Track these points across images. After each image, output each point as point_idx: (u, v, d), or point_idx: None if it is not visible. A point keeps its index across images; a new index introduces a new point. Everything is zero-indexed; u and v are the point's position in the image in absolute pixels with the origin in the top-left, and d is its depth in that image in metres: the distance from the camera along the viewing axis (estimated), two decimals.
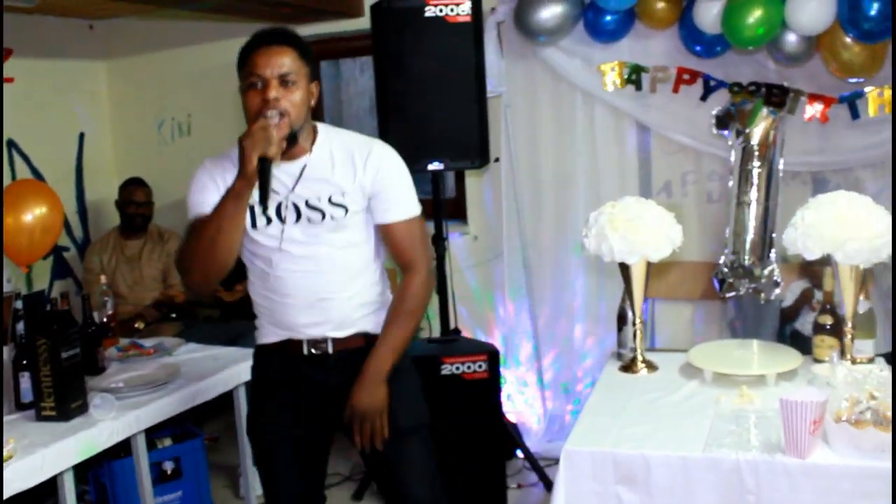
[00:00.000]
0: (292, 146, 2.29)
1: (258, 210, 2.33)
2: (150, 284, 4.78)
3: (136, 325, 4.38)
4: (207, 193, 2.34)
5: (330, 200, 2.34)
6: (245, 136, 2.17)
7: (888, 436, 2.02)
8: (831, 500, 2.06)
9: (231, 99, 4.95)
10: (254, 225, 2.35)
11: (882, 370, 2.23)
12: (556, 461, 3.97)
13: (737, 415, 2.35)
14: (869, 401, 2.07)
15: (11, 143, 4.82)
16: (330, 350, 2.43)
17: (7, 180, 4.54)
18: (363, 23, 4.26)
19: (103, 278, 3.54)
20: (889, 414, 2.04)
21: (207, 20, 4.86)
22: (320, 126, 2.42)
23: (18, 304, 3.38)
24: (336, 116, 5.83)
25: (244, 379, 3.23)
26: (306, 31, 4.66)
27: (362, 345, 2.44)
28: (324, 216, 2.34)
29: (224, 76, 4.98)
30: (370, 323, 2.46)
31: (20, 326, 3.40)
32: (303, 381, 2.46)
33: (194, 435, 3.32)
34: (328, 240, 2.36)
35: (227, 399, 3.23)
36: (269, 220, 2.35)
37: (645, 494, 2.19)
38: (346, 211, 2.35)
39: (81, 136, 5.27)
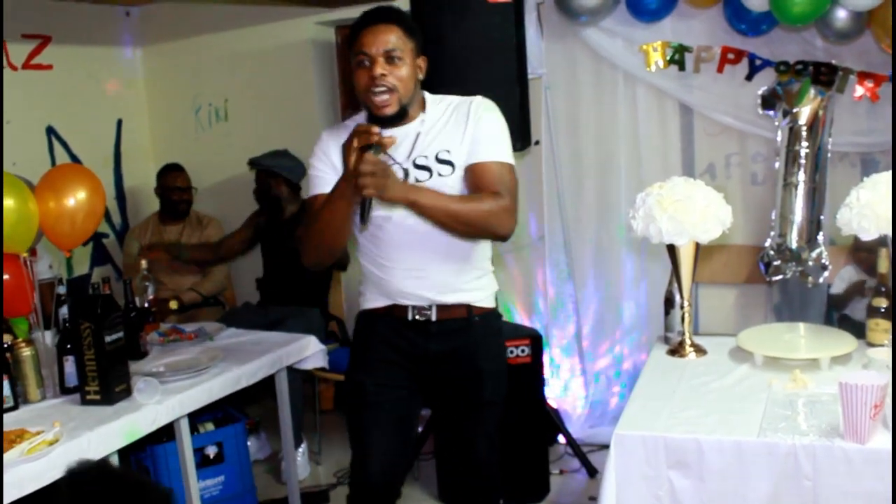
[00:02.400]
0: (403, 119, 2.42)
1: None
2: (189, 270, 4.78)
3: (171, 305, 4.38)
4: (321, 174, 2.48)
5: (437, 157, 2.42)
6: (362, 166, 2.16)
7: None
8: (892, 486, 2.00)
9: (268, 83, 5.01)
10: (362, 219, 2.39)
11: None
12: (599, 447, 4.01)
13: (790, 399, 2.30)
14: None
15: (51, 130, 4.85)
16: (433, 318, 2.50)
17: (47, 166, 4.55)
18: (402, 4, 4.21)
19: (144, 263, 3.55)
20: None
21: (243, 4, 4.84)
22: (426, 94, 2.51)
23: (61, 290, 3.38)
24: None
25: (286, 363, 3.23)
26: (344, 13, 4.64)
27: (465, 315, 2.53)
28: (431, 174, 2.41)
29: (261, 60, 5.04)
30: (474, 293, 2.53)
31: (63, 311, 3.41)
32: (406, 345, 2.54)
33: (236, 419, 3.31)
34: None
35: (265, 385, 3.23)
36: None
37: (698, 479, 2.15)
38: (453, 168, 2.41)
39: (119, 122, 5.28)
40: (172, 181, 4.85)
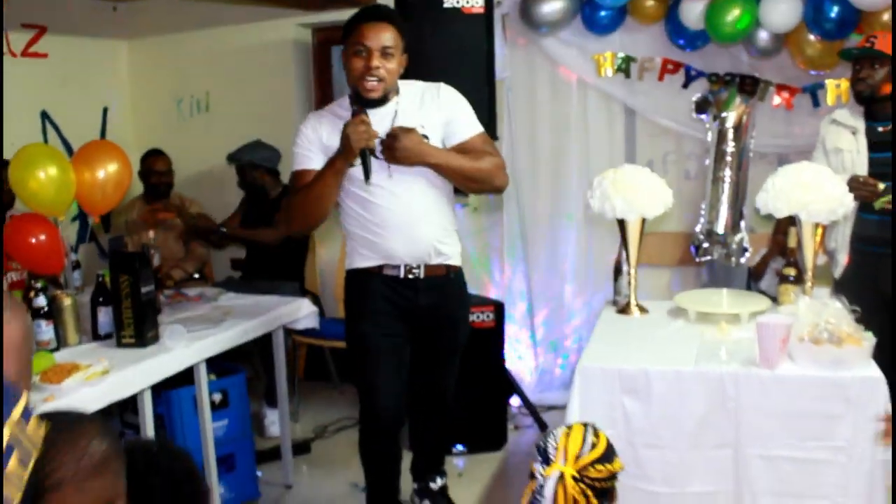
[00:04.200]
0: (384, 104, 2.89)
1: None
2: (174, 247, 5.16)
3: (167, 283, 4.76)
4: (307, 151, 2.91)
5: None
6: (349, 126, 2.74)
7: (841, 351, 2.52)
8: (796, 405, 2.55)
9: (248, 78, 5.44)
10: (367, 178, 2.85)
11: (836, 303, 2.73)
12: (548, 408, 4.52)
13: (718, 342, 2.85)
14: (826, 324, 2.58)
15: (45, 115, 5.19)
16: (422, 275, 2.98)
17: None
18: None
19: (152, 233, 3.95)
20: (842, 335, 2.54)
21: (226, 3, 5.22)
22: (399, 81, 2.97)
23: (73, 256, 3.78)
24: None
25: (284, 322, 3.67)
26: (325, 17, 5.08)
27: (444, 273, 3.03)
28: None
29: (242, 57, 5.47)
30: (450, 253, 3.03)
31: (75, 275, 3.80)
32: (399, 299, 2.99)
33: (238, 370, 3.71)
34: (417, 171, 2.87)
35: (244, 353, 3.70)
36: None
37: (645, 403, 2.67)
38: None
39: (105, 110, 5.63)
40: (153, 164, 5.20)
